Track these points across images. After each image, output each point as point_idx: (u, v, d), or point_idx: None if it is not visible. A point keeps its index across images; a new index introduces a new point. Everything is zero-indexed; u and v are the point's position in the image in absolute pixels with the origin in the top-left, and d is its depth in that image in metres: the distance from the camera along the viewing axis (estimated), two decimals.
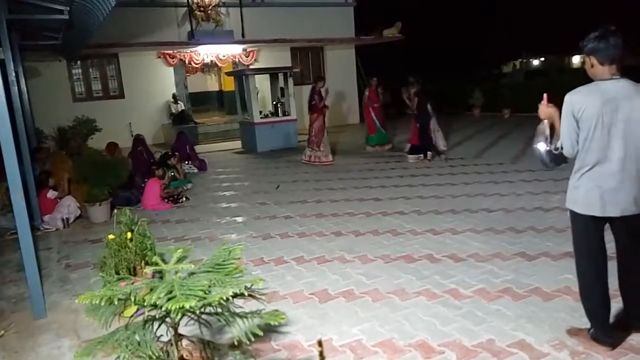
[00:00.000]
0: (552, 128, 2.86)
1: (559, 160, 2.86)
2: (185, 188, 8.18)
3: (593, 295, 2.82)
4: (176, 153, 9.20)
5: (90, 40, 9.80)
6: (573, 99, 2.65)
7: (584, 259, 2.81)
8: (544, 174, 7.27)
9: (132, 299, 2.09)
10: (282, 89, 13.09)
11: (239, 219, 6.33)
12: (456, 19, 27.58)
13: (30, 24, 8.51)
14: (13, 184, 3.67)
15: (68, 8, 6.64)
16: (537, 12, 28.50)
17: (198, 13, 15.06)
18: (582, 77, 2.80)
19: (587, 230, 2.75)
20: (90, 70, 14.76)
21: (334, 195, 7.23)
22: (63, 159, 8.27)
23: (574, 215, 2.78)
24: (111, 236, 3.70)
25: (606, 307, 2.81)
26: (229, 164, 11.00)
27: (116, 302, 2.12)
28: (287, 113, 12.79)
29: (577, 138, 2.66)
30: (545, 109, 2.84)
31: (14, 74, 6.83)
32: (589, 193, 2.67)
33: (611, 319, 2.90)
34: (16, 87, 6.91)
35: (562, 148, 2.73)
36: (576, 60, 36.41)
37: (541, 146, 2.89)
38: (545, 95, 2.83)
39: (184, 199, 7.51)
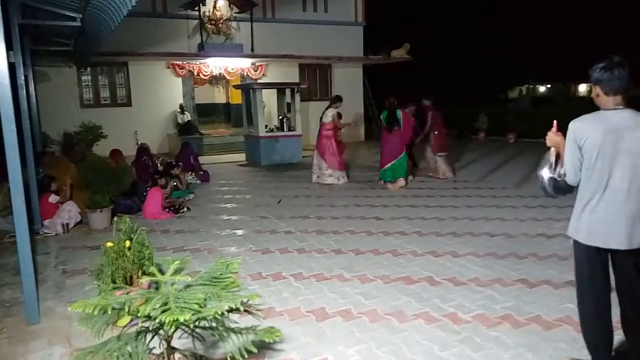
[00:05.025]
0: (558, 156, 2.84)
1: (563, 190, 2.83)
2: (187, 198, 8.16)
3: (594, 327, 2.76)
4: (180, 163, 9.22)
5: (101, 47, 9.90)
6: (576, 126, 2.65)
7: (586, 289, 2.76)
8: (548, 201, 7.22)
9: (126, 309, 2.06)
10: (288, 104, 13.18)
11: (239, 232, 6.30)
12: (464, 43, 27.81)
13: (42, 30, 8.61)
14: (15, 186, 3.65)
15: (81, 15, 6.72)
16: (545, 39, 28.71)
17: (209, 26, 15.25)
18: (588, 106, 2.79)
19: (590, 260, 2.71)
20: (100, 77, 14.89)
21: (335, 212, 7.20)
22: (66, 164, 8.29)
23: (577, 245, 2.75)
24: (109, 244, 3.67)
25: (608, 339, 2.75)
26: (232, 176, 11.00)
27: (110, 312, 2.09)
28: (292, 128, 12.84)
29: (580, 166, 2.65)
30: (553, 136, 2.82)
31: (23, 77, 6.89)
32: (593, 223, 2.63)
33: (612, 352, 2.83)
34: (24, 91, 6.96)
35: (564, 175, 2.72)
36: (583, 88, 36.56)
37: (545, 173, 2.87)
38: (555, 123, 2.83)
39: (185, 209, 7.48)
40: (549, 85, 41.59)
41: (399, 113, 8.73)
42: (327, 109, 9.79)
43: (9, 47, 3.79)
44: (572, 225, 2.76)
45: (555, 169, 2.82)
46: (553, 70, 31.31)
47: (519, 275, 4.50)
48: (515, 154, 13.39)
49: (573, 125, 2.66)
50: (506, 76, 30.36)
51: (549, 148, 2.90)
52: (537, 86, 42.07)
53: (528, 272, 4.59)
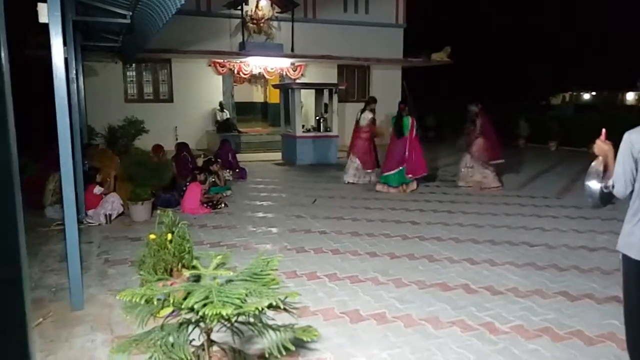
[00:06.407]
0: (605, 165, 2.74)
1: (607, 200, 2.73)
2: (224, 195, 8.30)
3: None
4: (219, 160, 9.37)
5: (147, 44, 10.17)
6: (633, 137, 2.54)
7: (634, 306, 2.65)
8: (590, 212, 6.99)
9: (171, 300, 2.12)
10: (326, 104, 13.22)
11: (275, 230, 6.36)
12: (506, 48, 27.20)
13: (93, 26, 8.92)
14: (65, 177, 3.81)
15: (130, 13, 6.93)
16: (590, 45, 27.79)
17: (251, 25, 15.46)
18: (636, 115, 2.69)
19: None
20: (144, 73, 15.32)
21: (370, 214, 7.17)
22: (111, 157, 8.56)
23: (627, 260, 2.64)
24: (152, 236, 3.76)
25: None
26: (269, 174, 11.11)
27: (155, 302, 2.16)
28: (329, 129, 12.88)
29: (632, 179, 2.55)
30: (602, 145, 2.73)
31: (74, 72, 7.16)
32: None
33: None
34: (75, 85, 7.23)
35: (612, 187, 2.62)
36: (630, 97, 35.19)
37: (593, 184, 2.77)
38: (603, 131, 2.73)
39: (223, 205, 7.62)
40: (593, 93, 40.20)
41: (407, 120, 8.69)
42: (363, 111, 9.94)
43: (63, 43, 3.94)
44: (623, 239, 2.66)
45: (603, 178, 2.73)
46: (599, 78, 30.25)
47: (560, 288, 4.37)
48: (556, 163, 13.01)
49: (629, 136, 2.56)
50: (549, 82, 29.52)
51: (596, 157, 2.80)
52: (581, 93, 40.74)
53: (569, 284, 4.45)
